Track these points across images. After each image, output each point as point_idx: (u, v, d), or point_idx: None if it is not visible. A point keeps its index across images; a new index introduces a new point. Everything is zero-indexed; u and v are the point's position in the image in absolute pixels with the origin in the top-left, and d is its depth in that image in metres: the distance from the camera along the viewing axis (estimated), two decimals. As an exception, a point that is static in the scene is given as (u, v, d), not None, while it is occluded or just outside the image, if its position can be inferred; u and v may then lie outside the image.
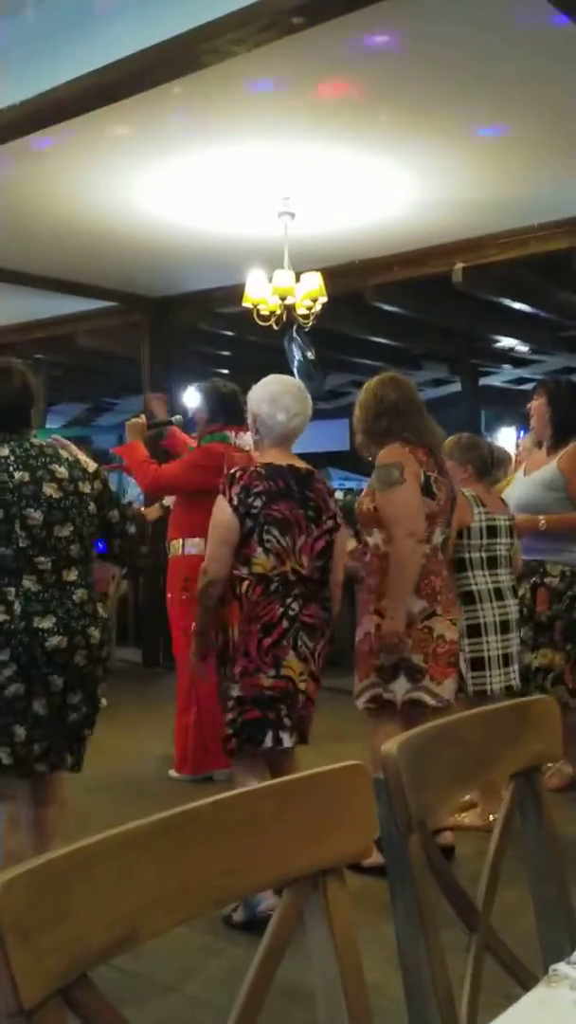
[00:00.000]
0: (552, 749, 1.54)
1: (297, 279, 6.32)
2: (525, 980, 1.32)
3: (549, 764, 4.46)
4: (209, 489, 4.67)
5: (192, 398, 5.59)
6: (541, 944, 1.47)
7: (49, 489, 2.83)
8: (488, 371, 13.57)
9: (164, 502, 5.43)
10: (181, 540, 4.86)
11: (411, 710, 3.63)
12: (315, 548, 3.31)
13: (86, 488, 2.94)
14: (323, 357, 8.07)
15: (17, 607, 2.74)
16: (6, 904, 0.84)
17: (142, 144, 5.04)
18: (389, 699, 3.63)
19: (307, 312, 6.39)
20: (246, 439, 4.74)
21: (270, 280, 6.31)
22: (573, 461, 4.44)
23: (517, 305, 8.96)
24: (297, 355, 7.40)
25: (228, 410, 4.86)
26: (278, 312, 6.35)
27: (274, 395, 3.36)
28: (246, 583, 3.24)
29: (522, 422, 14.28)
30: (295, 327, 6.88)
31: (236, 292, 6.63)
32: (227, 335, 9.98)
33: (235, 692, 3.24)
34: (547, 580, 4.47)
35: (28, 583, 2.78)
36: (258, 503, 3.22)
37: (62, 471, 2.89)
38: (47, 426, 12.86)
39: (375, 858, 1.23)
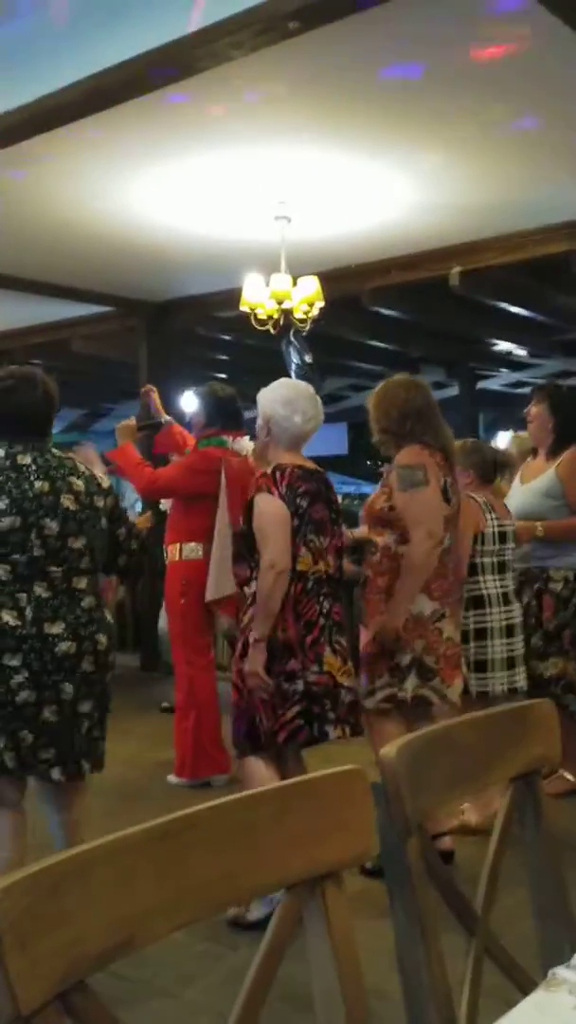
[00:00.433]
0: (551, 752, 1.54)
1: (294, 283, 6.33)
2: (524, 984, 1.32)
3: (560, 771, 4.49)
4: (206, 493, 4.68)
5: (190, 402, 5.59)
6: (540, 948, 1.46)
7: (67, 501, 2.87)
8: (486, 375, 13.58)
9: (161, 506, 5.43)
10: (179, 545, 4.85)
11: (416, 708, 3.65)
12: (336, 547, 3.43)
13: (100, 503, 2.99)
14: (320, 361, 8.08)
15: (28, 613, 2.78)
16: (4, 909, 0.84)
17: (139, 148, 5.05)
18: (403, 698, 3.65)
19: (304, 316, 6.39)
20: (243, 443, 4.75)
21: (267, 284, 6.31)
22: (570, 467, 4.41)
23: (514, 309, 8.98)
24: (295, 359, 7.41)
25: (225, 414, 4.85)
26: (275, 316, 6.35)
27: (290, 398, 3.42)
28: (289, 582, 3.28)
29: (519, 426, 14.32)
30: (292, 331, 6.88)
31: (233, 296, 6.63)
32: (224, 339, 9.99)
33: (300, 687, 3.26)
34: (551, 586, 4.44)
35: (39, 590, 2.81)
36: (304, 503, 3.30)
37: (79, 484, 2.93)
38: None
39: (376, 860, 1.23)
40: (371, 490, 4.31)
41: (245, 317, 6.46)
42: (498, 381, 14.21)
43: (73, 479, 2.92)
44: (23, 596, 2.79)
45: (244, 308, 6.36)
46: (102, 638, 2.93)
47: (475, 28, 3.85)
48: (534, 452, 4.68)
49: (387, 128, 4.86)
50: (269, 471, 3.33)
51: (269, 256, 6.31)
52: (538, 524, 4.40)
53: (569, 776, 4.50)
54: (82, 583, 2.91)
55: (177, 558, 4.85)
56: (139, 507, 8.07)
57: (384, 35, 3.86)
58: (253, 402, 3.57)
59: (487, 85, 4.38)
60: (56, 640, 2.80)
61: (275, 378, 3.65)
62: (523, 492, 4.56)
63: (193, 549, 4.72)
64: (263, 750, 3.32)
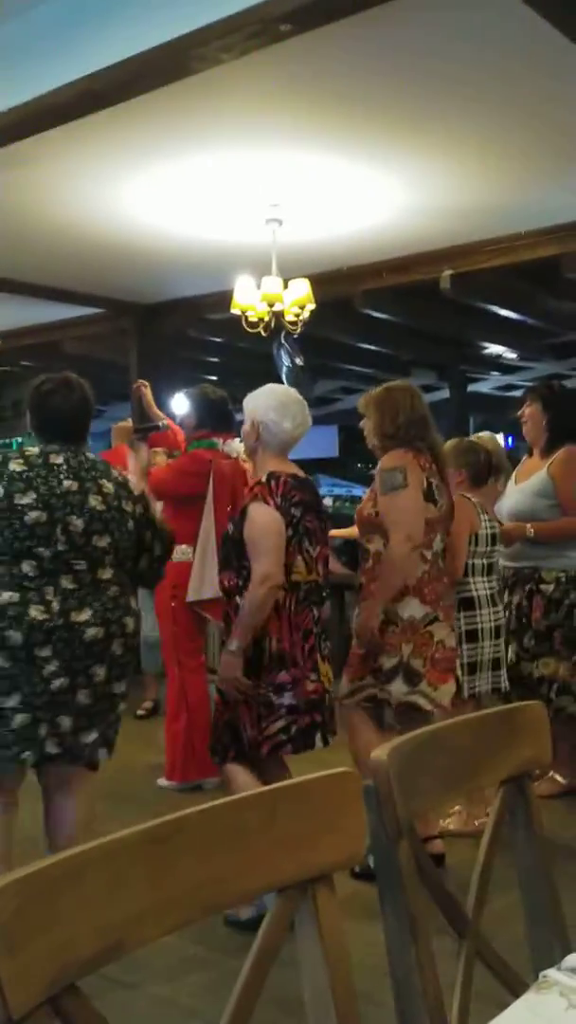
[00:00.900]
0: (541, 755, 1.54)
1: (285, 285, 6.33)
2: (515, 986, 1.32)
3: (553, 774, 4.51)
4: (196, 495, 4.68)
5: (180, 404, 5.57)
6: (531, 950, 1.46)
7: (94, 501, 2.96)
8: (476, 378, 13.60)
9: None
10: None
11: (406, 713, 3.65)
12: (325, 556, 3.43)
13: (128, 507, 3.07)
14: (312, 364, 8.09)
15: (55, 605, 2.87)
16: (-6, 913, 0.84)
17: (131, 150, 5.05)
18: (384, 699, 3.65)
19: (295, 319, 6.40)
20: (234, 446, 4.74)
21: (258, 287, 6.32)
22: (563, 467, 4.40)
23: (505, 312, 8.99)
24: (286, 361, 7.41)
25: (216, 416, 4.84)
26: (266, 319, 6.36)
27: (283, 403, 3.39)
28: (283, 592, 3.26)
29: (510, 429, 14.34)
30: (283, 333, 6.89)
31: (224, 298, 6.63)
32: (215, 341, 9.98)
33: (287, 701, 3.24)
34: (542, 587, 4.43)
35: (65, 582, 2.91)
36: (297, 513, 3.28)
37: (109, 486, 3.02)
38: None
39: (368, 863, 1.23)
40: (362, 492, 4.31)
41: (236, 319, 6.46)
42: (489, 384, 14.24)
43: (104, 481, 3.02)
44: (50, 589, 2.88)
45: (235, 310, 6.36)
46: (129, 621, 3.04)
47: (467, 33, 3.86)
48: (529, 452, 4.68)
49: (379, 131, 4.87)
50: (264, 480, 3.30)
51: (260, 258, 6.32)
52: (528, 525, 4.39)
53: (559, 778, 4.51)
54: (107, 574, 3.00)
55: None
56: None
57: (376, 39, 3.87)
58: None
59: (478, 89, 4.39)
60: (84, 627, 2.89)
61: (266, 381, 3.63)
62: (517, 492, 4.55)
63: (184, 551, 4.70)
64: (245, 757, 3.31)
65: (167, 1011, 2.83)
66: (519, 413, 4.68)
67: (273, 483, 3.28)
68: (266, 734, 3.25)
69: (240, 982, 1.05)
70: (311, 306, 6.37)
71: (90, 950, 0.91)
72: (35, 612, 2.84)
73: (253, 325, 6.38)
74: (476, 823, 3.93)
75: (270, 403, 3.39)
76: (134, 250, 6.87)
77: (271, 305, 6.26)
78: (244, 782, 3.27)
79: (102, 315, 8.82)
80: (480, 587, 4.14)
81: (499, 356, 11.86)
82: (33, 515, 2.87)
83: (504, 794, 1.47)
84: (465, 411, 13.57)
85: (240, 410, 3.69)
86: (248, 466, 4.21)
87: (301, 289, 6.35)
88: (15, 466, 2.92)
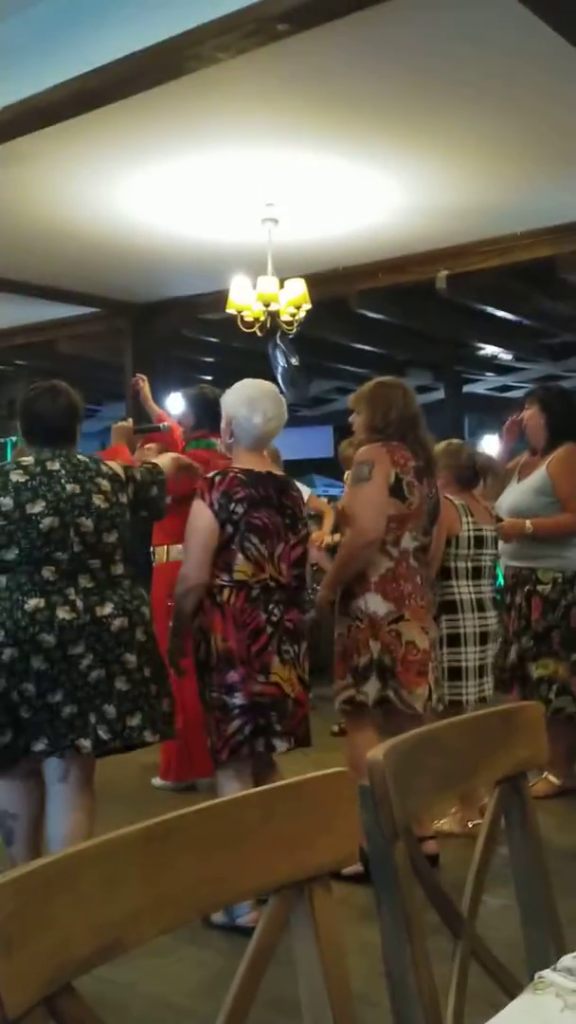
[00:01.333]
0: (537, 755, 1.54)
1: (281, 285, 6.33)
2: (511, 987, 1.32)
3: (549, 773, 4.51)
4: (193, 495, 4.67)
5: (176, 404, 5.57)
6: (526, 951, 1.46)
7: (97, 500, 3.10)
8: (472, 378, 13.60)
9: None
10: (166, 547, 4.83)
11: (383, 711, 3.64)
12: (292, 556, 3.33)
13: (124, 499, 3.21)
14: (307, 364, 8.08)
15: (80, 604, 3.01)
16: (-10, 913, 0.83)
17: (126, 149, 5.04)
18: (362, 701, 3.63)
19: (291, 319, 6.39)
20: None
21: (254, 286, 6.31)
22: (561, 464, 4.46)
23: (501, 313, 9.00)
24: (281, 362, 7.40)
25: (214, 417, 4.83)
26: (262, 319, 6.35)
27: (252, 398, 3.37)
28: (227, 590, 3.24)
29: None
30: (279, 334, 6.88)
31: (220, 298, 6.63)
32: (211, 341, 9.97)
33: (239, 701, 3.23)
34: (539, 588, 4.45)
35: (84, 581, 3.06)
36: (240, 509, 3.22)
37: (106, 484, 3.16)
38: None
39: (355, 866, 1.22)
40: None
41: (232, 319, 6.46)
42: (484, 385, 14.24)
43: (100, 480, 3.15)
44: (71, 590, 3.02)
45: (231, 310, 6.35)
46: (146, 610, 3.22)
47: (463, 33, 3.86)
48: (532, 452, 4.72)
49: (375, 131, 4.88)
50: (210, 476, 3.30)
51: (256, 258, 6.31)
52: (527, 522, 4.42)
53: (554, 778, 4.51)
54: (119, 569, 3.16)
55: (165, 560, 4.84)
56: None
57: (372, 39, 3.87)
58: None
59: (475, 90, 4.40)
60: (110, 620, 3.05)
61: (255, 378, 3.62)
62: (517, 490, 4.60)
63: (181, 551, 4.69)
64: (218, 764, 3.32)
65: (162, 1011, 2.82)
66: (521, 416, 4.72)
67: (218, 479, 3.27)
68: (225, 737, 3.24)
69: (236, 982, 1.04)
70: (307, 306, 6.37)
71: (86, 950, 0.91)
72: (63, 613, 2.98)
73: (249, 325, 6.38)
74: (470, 825, 3.93)
75: (240, 398, 3.38)
76: (129, 249, 6.87)
77: (267, 305, 6.25)
78: (229, 788, 3.27)
79: (97, 315, 8.81)
80: (464, 591, 4.11)
81: (494, 357, 11.86)
82: (47, 522, 2.99)
83: (500, 794, 1.47)
84: (460, 412, 13.57)
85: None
86: None
87: (297, 289, 6.35)
88: (16, 477, 3.03)
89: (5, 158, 4.94)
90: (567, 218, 6.23)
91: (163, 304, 8.52)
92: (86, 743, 3.01)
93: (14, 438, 12.42)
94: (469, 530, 4.11)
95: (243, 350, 9.20)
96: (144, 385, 5.61)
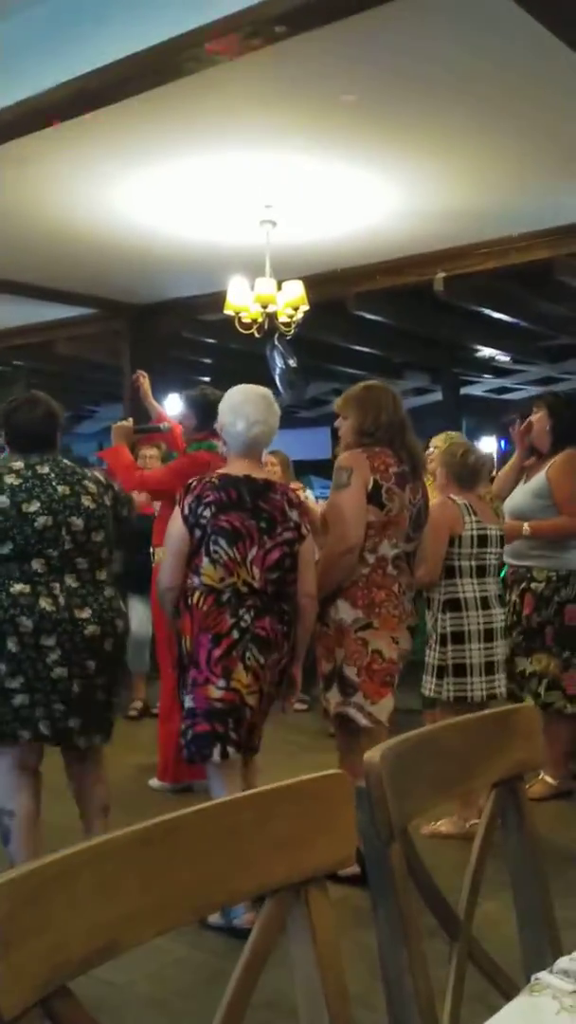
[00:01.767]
0: (534, 757, 1.54)
1: (279, 287, 6.33)
2: (507, 989, 1.32)
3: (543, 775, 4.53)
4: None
5: (175, 405, 5.57)
6: (523, 953, 1.46)
7: (86, 500, 3.27)
8: (469, 380, 13.62)
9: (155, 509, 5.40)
10: (163, 549, 4.83)
11: (343, 725, 3.63)
12: (268, 560, 3.27)
13: (108, 500, 3.38)
14: (305, 365, 8.08)
15: (62, 600, 3.16)
16: (-14, 915, 0.83)
17: (125, 151, 5.04)
18: (325, 707, 3.65)
19: (289, 320, 6.39)
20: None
21: (252, 288, 6.31)
22: (559, 469, 4.56)
23: (498, 315, 9.01)
24: (279, 363, 7.40)
25: (216, 419, 4.84)
26: (260, 320, 6.35)
27: (235, 404, 3.36)
28: (197, 593, 3.24)
29: (503, 432, 14.36)
30: (277, 335, 6.88)
31: (218, 300, 6.63)
32: (209, 343, 9.98)
33: (188, 703, 3.25)
34: (533, 586, 4.56)
35: (69, 580, 3.20)
36: (207, 513, 3.22)
37: (92, 487, 3.34)
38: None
39: (352, 868, 1.22)
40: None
41: (230, 321, 6.46)
42: (481, 387, 14.26)
43: (87, 483, 3.33)
44: (56, 585, 3.17)
45: (229, 312, 6.35)
46: (119, 623, 3.32)
47: (462, 37, 3.86)
48: (538, 455, 4.80)
49: (373, 133, 4.88)
50: (188, 482, 3.33)
51: (254, 260, 6.31)
52: (525, 524, 4.52)
53: (550, 779, 4.52)
54: (103, 575, 3.31)
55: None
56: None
57: (370, 41, 3.87)
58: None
59: (472, 93, 4.40)
60: (85, 624, 3.18)
61: (259, 382, 3.60)
62: (520, 492, 4.72)
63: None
64: (187, 762, 3.39)
65: (158, 1013, 2.82)
66: (527, 422, 4.83)
67: (193, 484, 3.29)
68: (181, 737, 3.30)
69: (232, 984, 1.04)
70: (304, 307, 6.37)
71: (82, 951, 0.91)
72: (44, 603, 3.13)
73: (246, 326, 6.38)
74: (467, 825, 3.93)
75: (226, 405, 3.39)
76: (127, 251, 6.87)
77: (264, 306, 6.25)
78: (217, 783, 3.31)
79: (95, 315, 8.81)
80: (468, 589, 4.13)
81: (492, 359, 11.88)
82: (41, 520, 3.16)
83: (496, 796, 1.47)
84: (458, 413, 13.58)
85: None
86: None
87: (294, 291, 6.35)
88: (11, 479, 3.20)
89: (3, 159, 4.94)
90: (564, 220, 6.23)
91: (161, 305, 8.52)
92: (25, 734, 3.14)
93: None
94: (472, 529, 4.13)
95: (241, 351, 9.21)
96: (144, 382, 5.61)
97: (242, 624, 3.22)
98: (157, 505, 5.16)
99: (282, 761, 3.46)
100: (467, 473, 4.32)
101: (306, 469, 13.91)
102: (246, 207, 5.94)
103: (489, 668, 4.14)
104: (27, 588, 3.12)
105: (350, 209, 6.08)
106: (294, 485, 4.78)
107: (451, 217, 6.21)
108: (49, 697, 3.13)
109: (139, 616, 5.86)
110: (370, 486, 3.54)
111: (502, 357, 11.69)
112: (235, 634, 3.21)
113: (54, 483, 3.23)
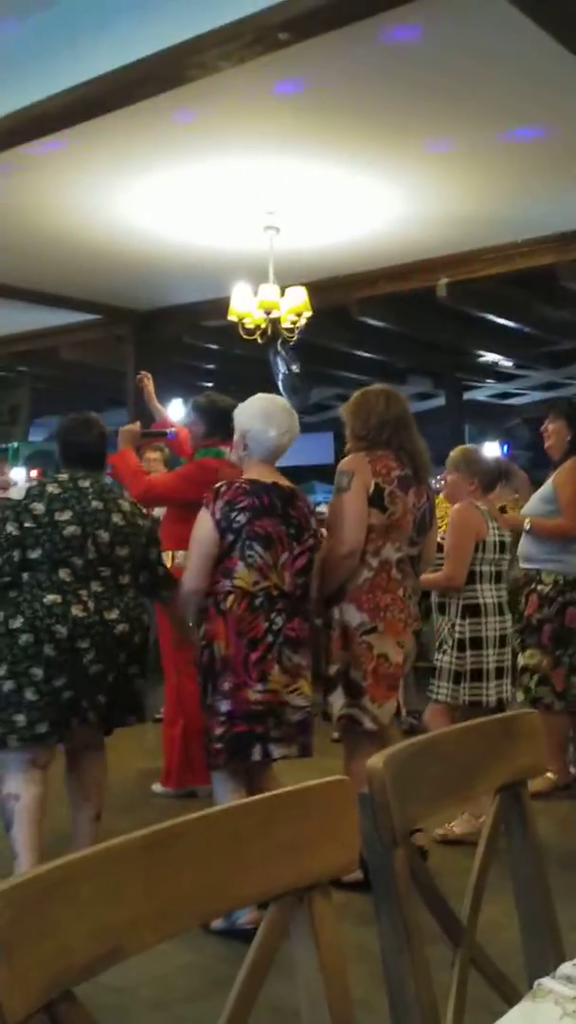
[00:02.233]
0: (537, 763, 1.55)
1: (282, 293, 6.34)
2: (510, 995, 1.32)
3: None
4: (201, 502, 4.67)
5: (177, 410, 5.58)
6: (526, 958, 1.46)
7: (116, 518, 3.50)
8: (472, 385, 13.62)
9: (154, 513, 5.40)
10: (171, 552, 4.83)
11: (346, 726, 3.63)
12: (296, 565, 3.35)
13: (141, 523, 3.63)
14: (308, 371, 8.09)
15: (91, 605, 3.39)
16: (-10, 920, 0.84)
17: (128, 157, 5.06)
18: (327, 712, 3.64)
19: (292, 326, 6.40)
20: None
21: (255, 294, 6.32)
22: (564, 475, 4.70)
23: (501, 320, 9.01)
24: (282, 368, 7.41)
25: (225, 425, 4.83)
26: (263, 326, 6.36)
27: (268, 411, 3.41)
28: (230, 597, 3.26)
29: (505, 437, 14.37)
30: (280, 341, 6.89)
31: (221, 305, 6.64)
32: (212, 348, 10.00)
33: (225, 707, 3.25)
34: (539, 588, 4.69)
35: (95, 586, 3.44)
36: (241, 518, 3.26)
37: (126, 506, 3.59)
38: (30, 439, 12.81)
39: (355, 873, 1.22)
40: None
41: (233, 326, 6.47)
42: (484, 392, 14.26)
43: (121, 502, 3.59)
44: (84, 592, 3.40)
45: (232, 317, 6.36)
46: (144, 618, 3.60)
47: (465, 44, 3.87)
48: (554, 464, 4.92)
49: (376, 140, 4.89)
50: (217, 486, 3.34)
51: (257, 266, 6.33)
52: (527, 518, 4.70)
53: (550, 774, 4.59)
54: (126, 579, 3.55)
55: (169, 565, 4.84)
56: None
57: (373, 48, 3.88)
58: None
59: (474, 99, 4.41)
60: (115, 624, 3.42)
61: (262, 388, 3.66)
62: (532, 499, 4.90)
63: (186, 557, 4.70)
64: (215, 770, 3.34)
65: (162, 1018, 2.82)
66: (542, 428, 4.96)
67: (224, 488, 3.31)
68: (214, 741, 3.28)
69: (235, 989, 1.05)
70: (307, 313, 6.38)
71: (86, 957, 0.91)
72: (76, 611, 3.35)
73: (250, 332, 6.39)
74: (479, 820, 3.93)
75: (255, 411, 3.42)
76: (131, 256, 6.88)
77: (268, 312, 6.27)
78: (222, 791, 3.32)
79: (99, 321, 8.82)
80: (487, 595, 4.15)
81: (495, 364, 11.88)
82: (70, 529, 3.38)
83: (499, 802, 1.47)
84: (460, 419, 13.59)
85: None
86: None
87: (298, 296, 6.36)
88: (52, 488, 3.46)
89: (7, 165, 4.95)
90: (567, 226, 6.24)
91: (165, 311, 8.53)
92: (75, 721, 3.41)
93: (16, 444, 12.45)
94: (494, 535, 4.16)
95: (244, 357, 9.22)
96: (148, 383, 5.61)
97: (274, 627, 3.29)
98: (161, 510, 5.16)
99: (285, 766, 3.45)
100: (495, 479, 4.41)
101: (309, 474, 13.93)
102: (249, 213, 5.95)
103: (499, 673, 4.17)
104: (59, 598, 3.33)
105: (353, 215, 6.09)
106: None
107: (454, 223, 6.22)
108: (90, 690, 3.39)
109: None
110: (371, 489, 3.56)
111: (505, 362, 11.69)
112: (269, 637, 3.28)
113: (90, 497, 3.46)
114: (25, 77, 4.16)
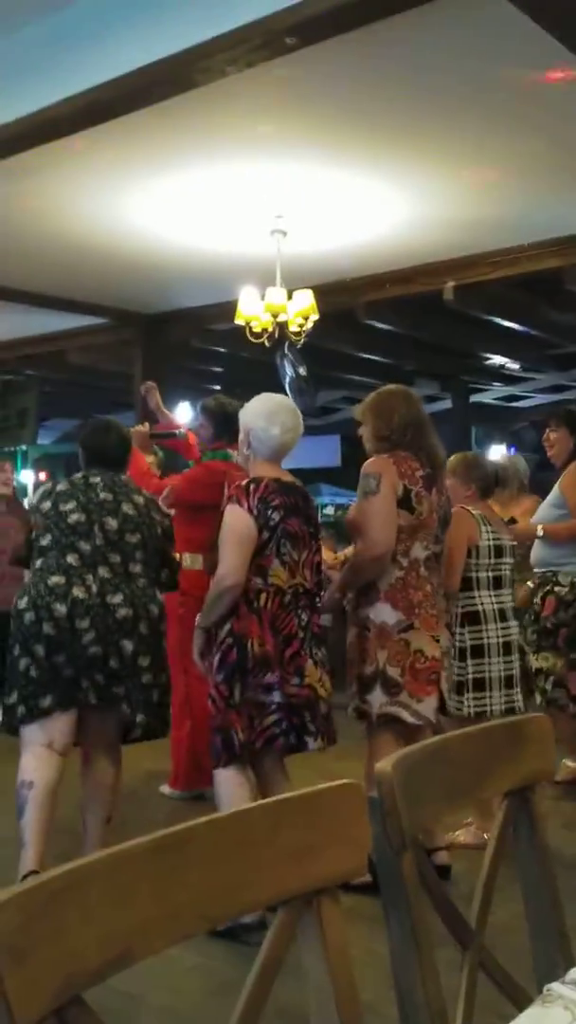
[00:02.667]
0: (546, 767, 1.54)
1: (289, 296, 6.34)
2: (519, 999, 1.32)
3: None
4: (209, 505, 4.67)
5: (185, 414, 5.58)
6: (535, 963, 1.46)
7: (126, 507, 3.62)
8: (479, 388, 13.61)
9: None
10: (179, 555, 4.84)
11: (387, 724, 3.63)
12: (314, 562, 3.45)
13: (157, 516, 3.74)
14: (315, 374, 8.09)
15: (94, 588, 3.48)
16: (0, 925, 0.84)
17: (136, 162, 5.07)
18: (366, 711, 3.63)
19: (299, 329, 6.41)
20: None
21: (262, 297, 6.33)
22: (569, 479, 4.74)
23: (508, 323, 9.01)
24: (289, 372, 7.42)
25: (233, 429, 4.84)
26: (270, 329, 6.37)
27: (270, 410, 3.44)
28: (264, 595, 3.31)
29: (512, 440, 14.36)
30: (287, 344, 6.90)
31: (228, 309, 6.65)
32: (219, 352, 10.00)
33: (277, 699, 3.30)
34: (557, 589, 4.71)
35: (103, 571, 3.52)
36: (276, 516, 3.31)
37: (139, 499, 3.70)
38: (39, 442, 12.83)
39: (364, 876, 1.22)
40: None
41: (240, 330, 6.48)
42: (491, 395, 14.24)
43: (135, 496, 3.70)
44: (90, 576, 3.49)
45: (239, 321, 6.37)
46: (154, 608, 3.63)
47: (472, 47, 3.88)
48: (560, 469, 4.96)
49: (383, 144, 4.89)
50: (243, 483, 3.36)
51: (265, 269, 6.33)
52: (540, 525, 4.73)
53: (570, 762, 4.63)
54: (137, 568, 3.60)
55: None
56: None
57: (380, 52, 3.88)
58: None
59: (481, 103, 4.41)
60: (117, 607, 3.49)
61: (269, 391, 3.66)
62: (541, 506, 4.95)
63: (194, 559, 4.71)
64: (238, 761, 3.33)
65: (170, 1022, 2.82)
66: (543, 438, 5.05)
67: (253, 486, 3.34)
68: (259, 730, 3.30)
69: (244, 993, 1.04)
70: (314, 317, 6.38)
71: (95, 961, 0.91)
72: (77, 591, 3.46)
73: (257, 335, 6.39)
74: (486, 835, 3.91)
75: (259, 410, 3.45)
76: (139, 261, 6.89)
77: (275, 316, 6.27)
78: (230, 787, 3.31)
79: (106, 325, 8.83)
80: (486, 601, 4.10)
81: (501, 367, 11.87)
82: (74, 517, 3.54)
83: (509, 806, 1.47)
84: (467, 421, 13.58)
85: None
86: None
87: (305, 300, 6.36)
88: (62, 486, 3.66)
89: (16, 170, 4.97)
90: (573, 230, 6.24)
91: (172, 315, 8.54)
92: (80, 698, 3.48)
93: (25, 447, 12.47)
94: (489, 540, 4.12)
95: (251, 360, 9.21)
96: (155, 394, 5.62)
97: (303, 623, 3.38)
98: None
99: (294, 769, 3.46)
100: (489, 485, 4.39)
101: (316, 477, 13.92)
102: (257, 217, 5.96)
103: (508, 682, 4.10)
104: (62, 580, 3.46)
105: (360, 219, 6.09)
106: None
107: (461, 226, 6.22)
108: (89, 671, 3.45)
109: None
110: (400, 491, 3.60)
111: (511, 365, 11.68)
112: (301, 633, 3.36)
113: (98, 489, 3.62)
114: (34, 82, 4.17)
